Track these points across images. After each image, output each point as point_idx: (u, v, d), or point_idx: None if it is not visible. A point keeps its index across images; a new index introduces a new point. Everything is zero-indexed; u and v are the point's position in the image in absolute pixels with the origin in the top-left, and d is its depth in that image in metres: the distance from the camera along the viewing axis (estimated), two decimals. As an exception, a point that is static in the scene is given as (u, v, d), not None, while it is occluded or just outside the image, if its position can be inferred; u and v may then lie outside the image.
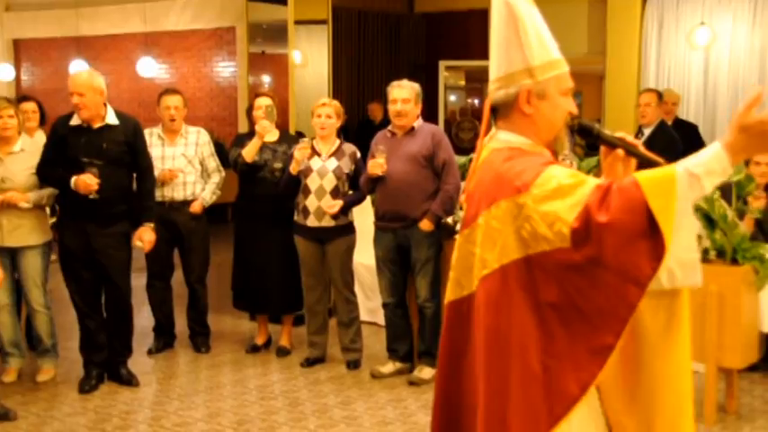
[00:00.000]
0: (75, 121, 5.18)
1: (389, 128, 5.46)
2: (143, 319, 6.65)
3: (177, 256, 6.21)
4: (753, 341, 4.78)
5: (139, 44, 13.21)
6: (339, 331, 5.81)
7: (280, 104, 6.13)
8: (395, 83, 5.41)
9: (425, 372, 5.37)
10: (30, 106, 6.27)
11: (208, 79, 13.14)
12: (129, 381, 5.40)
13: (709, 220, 4.77)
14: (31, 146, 5.41)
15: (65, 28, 13.50)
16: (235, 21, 12.19)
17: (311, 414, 4.96)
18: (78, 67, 5.31)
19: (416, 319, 5.61)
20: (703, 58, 8.89)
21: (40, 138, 5.80)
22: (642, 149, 2.20)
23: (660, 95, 7.05)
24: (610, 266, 1.94)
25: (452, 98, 12.21)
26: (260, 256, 5.98)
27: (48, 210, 5.54)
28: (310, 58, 10.28)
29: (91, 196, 5.03)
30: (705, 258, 4.79)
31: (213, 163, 6.16)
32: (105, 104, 5.22)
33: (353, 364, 5.74)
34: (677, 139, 6.83)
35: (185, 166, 6.00)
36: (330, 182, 5.53)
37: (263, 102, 5.94)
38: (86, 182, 4.99)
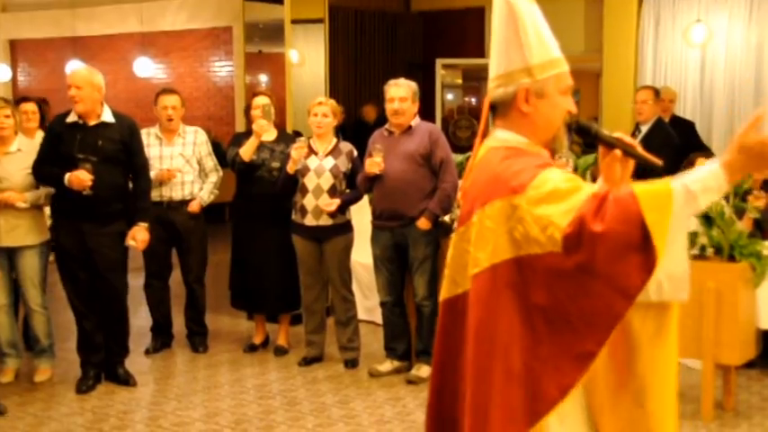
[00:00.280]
0: (71, 118, 5.18)
1: (386, 126, 5.46)
2: (141, 318, 6.65)
3: (175, 256, 6.21)
4: (750, 338, 4.78)
5: (136, 44, 13.21)
6: (337, 330, 5.81)
7: (277, 104, 6.13)
8: (392, 81, 5.41)
9: (423, 370, 5.37)
10: (29, 107, 6.27)
11: (205, 79, 13.14)
12: (127, 381, 5.39)
13: (706, 218, 4.77)
14: (29, 146, 5.40)
15: (61, 28, 13.49)
16: (231, 20, 12.19)
17: (309, 413, 4.96)
18: (76, 67, 5.32)
19: (414, 317, 5.60)
20: (700, 55, 8.89)
21: (40, 138, 5.80)
22: (640, 150, 2.21)
23: (657, 92, 7.05)
24: (600, 275, 1.94)
25: (449, 96, 12.21)
26: (257, 256, 5.97)
27: (47, 210, 5.52)
28: (307, 57, 10.28)
29: (85, 192, 5.00)
30: (702, 255, 4.80)
31: (211, 162, 6.15)
32: (102, 103, 5.22)
33: (351, 363, 5.74)
34: (674, 136, 6.84)
35: (183, 165, 6.00)
36: (327, 180, 5.53)
37: (261, 101, 5.94)
38: (80, 177, 4.97)
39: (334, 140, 5.68)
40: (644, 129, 6.82)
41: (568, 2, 10.00)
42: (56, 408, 5.06)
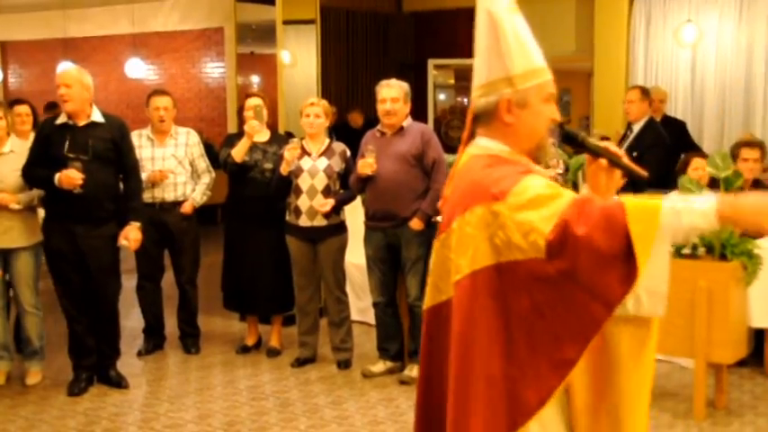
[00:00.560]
0: (60, 119, 5.17)
1: (378, 127, 5.46)
2: (133, 320, 6.63)
3: (167, 258, 6.20)
4: (741, 336, 4.80)
5: (128, 45, 13.19)
6: (330, 331, 5.80)
7: (269, 105, 6.12)
8: (383, 82, 5.41)
9: (416, 370, 5.36)
10: (23, 109, 6.26)
11: (196, 80, 13.13)
12: (119, 383, 5.38)
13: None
14: (22, 147, 5.38)
15: (52, 30, 13.46)
16: (223, 21, 12.19)
17: (302, 414, 4.96)
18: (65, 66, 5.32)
19: (407, 318, 5.61)
20: (690, 55, 8.92)
21: (15, 141, 5.78)
22: (625, 160, 2.20)
23: (645, 92, 7.06)
24: (581, 282, 1.94)
25: (441, 97, 12.22)
26: (250, 257, 5.97)
27: (41, 212, 5.50)
28: (299, 58, 10.26)
29: (76, 191, 4.98)
30: (694, 254, 4.81)
31: (203, 164, 6.15)
32: (91, 103, 5.21)
33: (344, 364, 5.74)
34: (665, 135, 6.87)
35: (175, 167, 5.99)
36: (321, 181, 5.53)
37: (253, 102, 5.93)
38: (70, 176, 4.95)
39: (327, 141, 5.68)
40: (636, 128, 6.85)
41: (559, 2, 10.02)
42: (47, 410, 5.04)
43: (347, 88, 11.22)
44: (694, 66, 8.91)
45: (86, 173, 4.99)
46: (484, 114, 2.21)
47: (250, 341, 6.23)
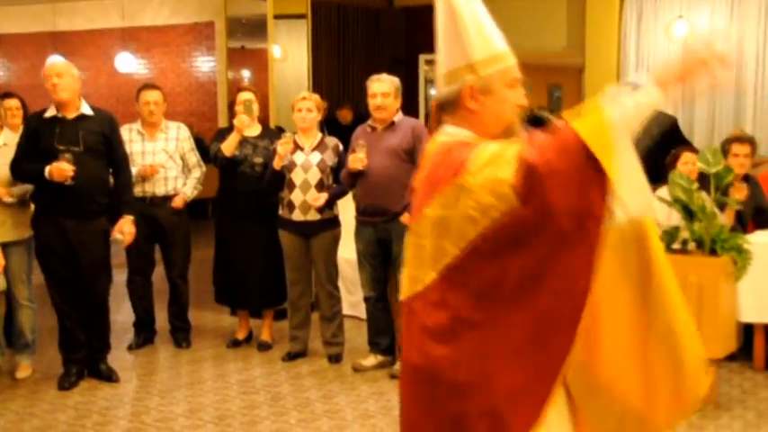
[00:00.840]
0: (49, 113, 5.14)
1: (369, 122, 5.45)
2: (123, 314, 6.62)
3: (158, 252, 6.19)
4: (731, 331, 4.82)
5: (117, 39, 13.15)
6: (321, 325, 5.81)
7: (260, 99, 6.12)
8: (374, 77, 5.41)
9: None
10: (14, 103, 6.23)
11: (187, 74, 13.09)
12: (110, 377, 5.37)
13: (688, 212, 4.80)
14: (14, 141, 5.36)
15: (42, 23, 13.41)
16: (213, 15, 12.16)
17: (293, 408, 4.96)
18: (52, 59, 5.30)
19: (398, 312, 5.61)
20: (681, 50, 8.94)
21: (8, 134, 5.76)
22: None
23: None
24: (560, 210, 1.91)
25: (433, 92, 12.23)
26: (241, 251, 5.96)
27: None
28: (290, 52, 10.25)
29: (67, 183, 4.96)
30: (684, 249, 4.83)
31: (194, 158, 6.14)
32: (80, 96, 5.19)
33: (335, 358, 5.74)
34: (655, 131, 6.86)
35: (166, 161, 5.98)
36: (315, 175, 5.53)
37: (243, 96, 5.93)
38: (60, 168, 4.93)
39: (320, 135, 5.68)
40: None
41: (551, -2, 10.04)
42: (38, 404, 5.03)
43: (338, 83, 11.21)
44: (685, 62, 8.93)
45: (77, 165, 4.97)
46: (448, 103, 2.21)
47: (241, 335, 6.23)
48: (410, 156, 5.28)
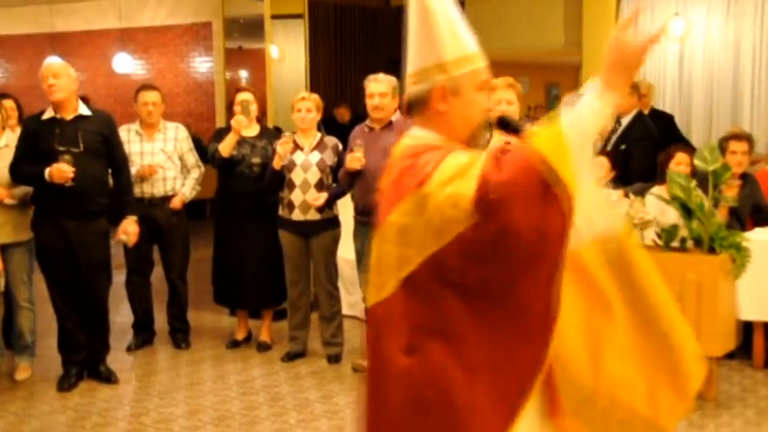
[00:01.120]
0: (47, 114, 5.14)
1: (367, 122, 5.45)
2: (122, 315, 6.62)
3: (156, 253, 6.18)
4: (730, 329, 4.82)
5: (115, 40, 13.14)
6: (320, 325, 5.81)
7: (258, 100, 6.12)
8: (371, 77, 5.40)
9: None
10: (8, 104, 6.22)
11: (185, 75, 13.08)
12: (109, 378, 5.37)
13: (686, 210, 4.80)
14: (15, 141, 5.36)
15: (39, 24, 13.40)
16: (211, 16, 12.16)
17: (292, 408, 4.96)
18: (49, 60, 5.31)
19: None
20: (678, 48, 8.94)
21: (10, 135, 5.76)
22: None
23: (634, 86, 7.06)
24: (522, 228, 1.88)
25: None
26: (239, 251, 5.96)
27: None
28: (287, 52, 10.25)
29: (67, 184, 4.96)
30: (683, 247, 4.83)
31: (192, 158, 6.14)
32: (77, 97, 5.19)
33: (334, 358, 5.74)
34: (653, 129, 6.88)
35: (165, 161, 5.98)
36: (314, 175, 5.53)
37: (241, 97, 5.93)
38: (60, 170, 4.92)
39: (319, 135, 5.68)
40: (624, 122, 6.86)
41: (548, -4, 10.04)
42: (37, 406, 5.03)
43: (336, 83, 11.21)
44: (682, 59, 8.93)
45: (77, 166, 4.96)
46: (417, 103, 2.16)
47: (240, 336, 6.23)
48: (408, 155, 5.27)
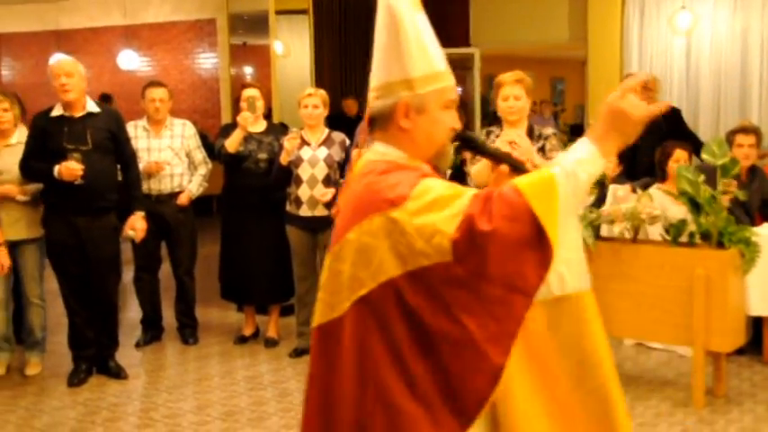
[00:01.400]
0: (55, 112, 5.15)
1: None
2: (131, 311, 6.63)
3: (164, 249, 6.19)
4: (740, 324, 4.80)
5: (120, 37, 13.14)
6: (327, 321, 5.80)
7: (264, 95, 6.12)
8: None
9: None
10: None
11: (190, 71, 13.08)
12: (118, 373, 5.38)
13: (694, 204, 4.79)
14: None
15: (44, 21, 13.40)
16: (215, 12, 12.15)
17: (300, 404, 4.92)
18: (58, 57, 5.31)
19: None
20: (685, 42, 8.93)
21: (23, 132, 5.77)
22: (529, 166, 2.13)
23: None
24: (494, 278, 1.83)
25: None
26: (247, 247, 5.97)
27: None
28: (292, 48, 10.26)
29: (77, 182, 4.98)
30: (691, 242, 4.82)
31: (200, 155, 6.15)
32: (85, 95, 5.20)
33: (342, 354, 5.73)
34: (660, 122, 6.83)
35: (172, 158, 5.98)
36: (322, 170, 5.53)
37: (247, 93, 5.94)
38: (70, 168, 4.94)
39: (326, 131, 5.69)
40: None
41: (553, -10, 10.03)
42: (47, 401, 5.05)
43: (341, 78, 11.20)
44: (689, 53, 8.92)
45: (86, 163, 4.98)
46: (380, 117, 2.07)
47: (247, 331, 6.23)
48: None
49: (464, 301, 1.85)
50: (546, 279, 1.84)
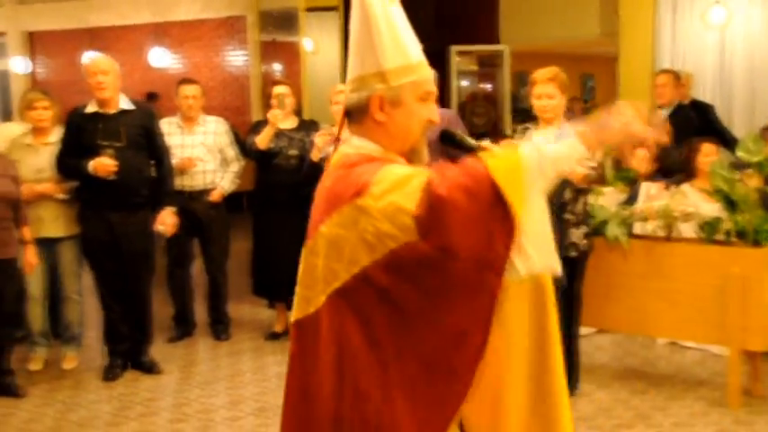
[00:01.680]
0: (90, 108, 5.21)
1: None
2: (163, 307, 6.68)
3: (196, 245, 6.24)
4: (776, 323, 4.75)
5: (150, 34, 13.22)
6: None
7: (294, 92, 6.14)
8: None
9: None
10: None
11: (220, 69, 13.14)
12: (151, 369, 5.44)
13: (729, 202, 4.74)
14: None
15: (76, 19, 13.52)
16: (245, 9, 12.19)
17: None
18: (92, 55, 5.36)
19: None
20: (718, 37, 8.82)
21: (61, 131, 5.83)
22: None
23: (677, 76, 7.01)
24: (460, 252, 1.80)
25: (464, 83, 12.19)
26: (278, 244, 5.98)
27: None
28: (321, 45, 10.27)
29: (110, 178, 5.04)
30: (727, 241, 4.77)
31: (232, 152, 6.18)
32: (119, 92, 5.25)
33: (373, 350, 5.74)
34: (694, 119, 6.83)
35: (204, 154, 6.03)
36: (352, 167, 5.54)
37: (277, 90, 5.97)
38: (103, 163, 5.01)
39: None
40: (664, 113, 6.80)
41: (584, -15, 9.97)
42: (83, 395, 5.11)
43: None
44: (722, 48, 8.81)
45: (120, 160, 5.04)
46: (356, 111, 2.05)
47: (279, 328, 6.26)
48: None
49: (437, 282, 1.84)
50: (512, 252, 1.82)
